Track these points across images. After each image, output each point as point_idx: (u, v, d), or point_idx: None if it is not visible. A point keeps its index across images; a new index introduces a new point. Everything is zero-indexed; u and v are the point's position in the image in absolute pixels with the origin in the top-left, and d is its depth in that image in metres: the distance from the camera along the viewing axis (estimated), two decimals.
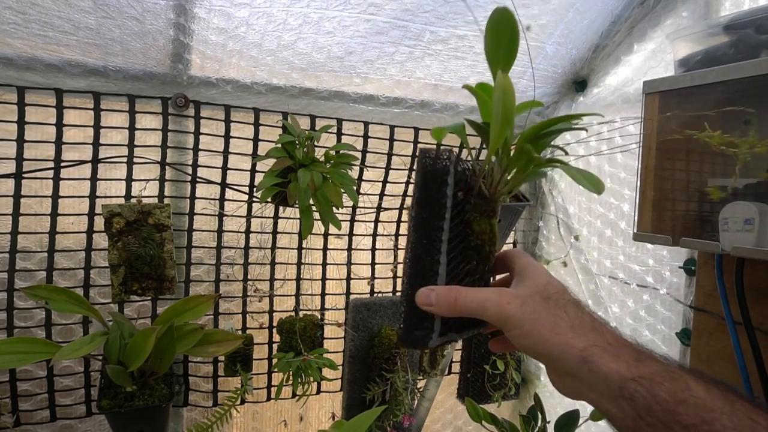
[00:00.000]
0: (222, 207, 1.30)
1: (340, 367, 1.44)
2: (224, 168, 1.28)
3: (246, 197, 1.31)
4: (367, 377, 1.42)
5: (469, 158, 0.57)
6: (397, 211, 1.51)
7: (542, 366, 1.66)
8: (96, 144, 1.16)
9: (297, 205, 1.16)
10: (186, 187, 1.26)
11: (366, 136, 1.40)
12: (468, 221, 0.55)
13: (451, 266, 0.53)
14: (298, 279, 1.41)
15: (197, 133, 1.24)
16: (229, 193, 1.30)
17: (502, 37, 0.54)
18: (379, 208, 1.47)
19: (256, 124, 1.29)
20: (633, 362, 0.43)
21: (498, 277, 0.62)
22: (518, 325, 0.46)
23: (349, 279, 1.47)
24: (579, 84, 1.48)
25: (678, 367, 0.44)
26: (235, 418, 1.34)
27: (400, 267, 1.54)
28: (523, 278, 0.52)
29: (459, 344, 1.60)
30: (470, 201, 0.55)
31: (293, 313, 1.39)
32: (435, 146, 0.54)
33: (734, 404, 0.40)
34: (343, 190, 1.20)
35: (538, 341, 0.45)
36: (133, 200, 1.19)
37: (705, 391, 0.41)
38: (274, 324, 1.38)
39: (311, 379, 1.28)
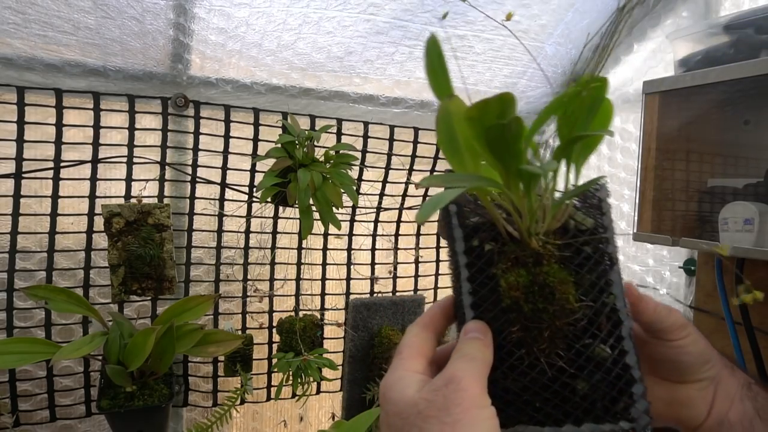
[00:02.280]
0: (222, 207, 1.30)
1: (340, 367, 1.44)
2: (224, 168, 1.28)
3: (246, 197, 1.31)
4: (367, 377, 1.42)
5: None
6: (397, 211, 1.51)
7: None
8: (96, 144, 1.16)
9: (297, 205, 1.16)
10: (186, 187, 1.26)
11: (366, 136, 1.40)
12: (495, 276, 0.41)
13: (500, 338, 0.39)
14: (298, 279, 1.40)
15: (197, 133, 1.24)
16: (229, 193, 1.30)
17: (434, 64, 0.45)
18: (379, 208, 1.47)
19: (256, 124, 1.29)
20: (746, 373, 0.47)
21: None
22: (690, 332, 0.45)
23: (349, 279, 1.47)
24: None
25: None
26: (234, 418, 1.34)
27: (400, 267, 1.54)
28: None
29: None
30: (502, 249, 0.41)
31: (293, 313, 1.39)
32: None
33: None
34: (342, 190, 1.20)
35: (704, 346, 0.46)
36: (133, 200, 1.19)
37: None
38: (274, 324, 1.38)
39: (311, 379, 1.28)
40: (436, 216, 1.56)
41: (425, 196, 1.53)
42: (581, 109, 0.39)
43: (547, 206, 0.40)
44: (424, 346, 0.41)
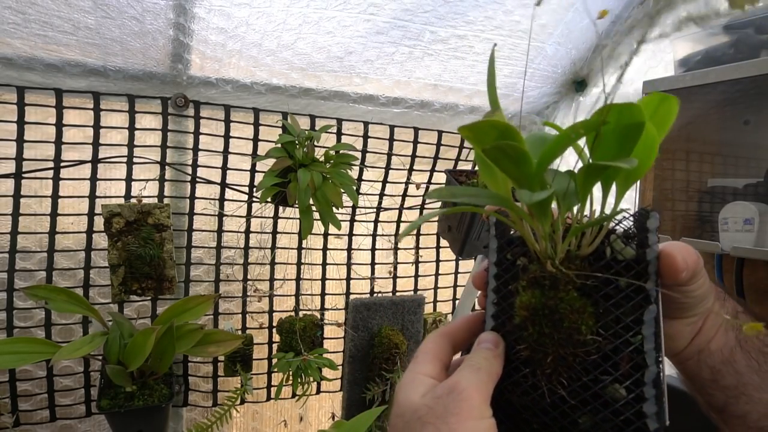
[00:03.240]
0: (222, 207, 1.30)
1: (340, 367, 1.44)
2: (224, 168, 1.28)
3: (246, 197, 1.31)
4: (367, 377, 1.42)
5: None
6: (397, 211, 1.51)
7: None
8: (96, 144, 1.16)
9: (297, 205, 1.16)
10: (186, 187, 1.26)
11: (366, 136, 1.40)
12: (513, 292, 0.40)
13: (511, 352, 0.39)
14: (298, 279, 1.40)
15: (197, 133, 1.24)
16: (229, 193, 1.30)
17: (490, 77, 0.41)
18: (379, 208, 1.47)
19: (256, 124, 1.29)
20: (739, 301, 0.49)
21: None
22: (703, 274, 0.43)
23: (348, 279, 1.47)
24: (579, 84, 1.47)
25: None
26: (234, 418, 1.34)
27: (400, 267, 1.54)
28: None
29: None
30: (527, 267, 0.40)
31: (293, 313, 1.39)
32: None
33: None
34: (342, 190, 1.20)
35: (708, 286, 0.44)
36: (133, 200, 1.19)
37: None
38: (274, 324, 1.38)
39: (311, 379, 1.28)
40: (436, 217, 1.56)
41: (425, 196, 1.53)
42: (610, 137, 0.37)
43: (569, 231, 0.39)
44: (441, 352, 0.41)
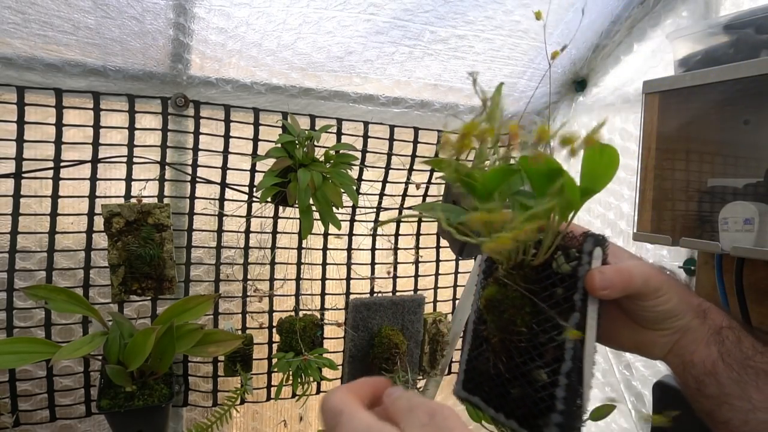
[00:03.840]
0: (222, 207, 1.30)
1: (340, 367, 1.44)
2: (224, 168, 1.28)
3: (246, 197, 1.31)
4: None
5: None
6: (397, 211, 1.51)
7: None
8: (96, 144, 1.16)
9: (297, 205, 1.16)
10: (186, 187, 1.26)
11: (366, 136, 1.40)
12: (485, 287, 0.49)
13: (480, 328, 0.49)
14: (298, 279, 1.41)
15: (197, 133, 1.24)
16: (229, 193, 1.30)
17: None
18: (379, 208, 1.47)
19: (256, 124, 1.29)
20: (728, 317, 0.53)
21: None
22: (665, 291, 0.50)
23: (348, 279, 1.47)
24: (579, 84, 1.47)
25: (761, 333, 0.53)
26: (234, 418, 1.34)
27: (400, 267, 1.54)
28: (621, 255, 0.53)
29: (458, 344, 1.60)
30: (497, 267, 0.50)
31: (293, 313, 1.39)
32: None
33: None
34: (342, 190, 1.20)
35: (674, 303, 0.50)
36: (133, 200, 1.19)
37: None
38: (274, 324, 1.38)
39: (311, 379, 1.28)
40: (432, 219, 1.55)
41: (425, 196, 1.53)
42: (538, 177, 0.46)
43: (519, 246, 0.47)
44: (359, 393, 0.42)
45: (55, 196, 1.14)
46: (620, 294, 0.47)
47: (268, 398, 1.41)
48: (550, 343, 0.45)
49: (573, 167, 0.44)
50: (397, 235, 1.52)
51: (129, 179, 1.19)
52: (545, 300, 0.46)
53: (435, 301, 1.61)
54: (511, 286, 0.47)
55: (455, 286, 1.64)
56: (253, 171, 1.31)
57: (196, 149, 1.25)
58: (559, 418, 0.42)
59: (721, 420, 0.49)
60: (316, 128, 1.33)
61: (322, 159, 1.23)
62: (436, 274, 1.60)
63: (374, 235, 1.49)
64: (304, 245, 1.40)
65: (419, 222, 1.55)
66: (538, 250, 0.47)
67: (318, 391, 1.47)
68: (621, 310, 0.52)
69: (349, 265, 1.47)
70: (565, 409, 0.43)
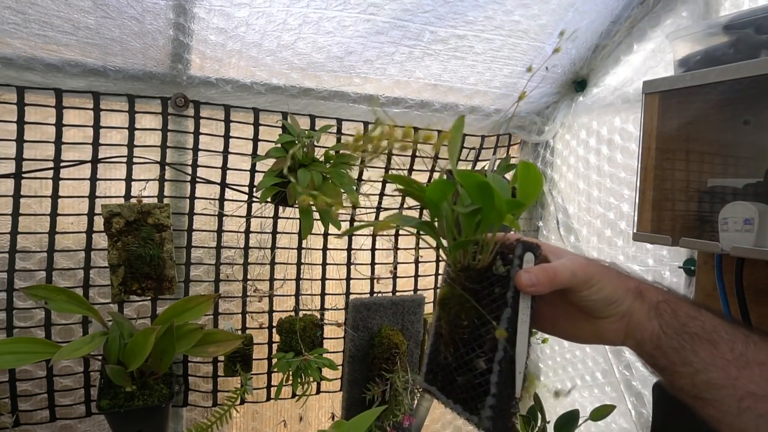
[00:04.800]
0: (222, 207, 1.30)
1: (340, 367, 1.44)
2: (224, 168, 1.28)
3: (246, 197, 1.31)
4: (366, 377, 1.42)
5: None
6: (397, 211, 1.51)
7: (542, 366, 1.66)
8: (96, 144, 1.16)
9: (297, 205, 1.16)
10: (186, 187, 1.26)
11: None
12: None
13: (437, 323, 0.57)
14: (298, 279, 1.40)
15: (197, 133, 1.24)
16: (229, 193, 1.30)
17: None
18: (379, 208, 1.47)
19: (256, 124, 1.29)
20: (665, 293, 0.57)
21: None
22: (597, 281, 0.54)
23: (349, 279, 1.47)
24: (579, 84, 1.48)
25: (702, 304, 0.56)
26: (234, 418, 1.34)
27: (400, 267, 1.54)
28: (560, 253, 0.58)
29: None
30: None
31: (293, 313, 1.39)
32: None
33: (735, 324, 0.53)
34: (342, 190, 1.20)
35: (609, 290, 0.55)
36: (133, 200, 1.19)
37: (713, 315, 0.54)
38: (274, 324, 1.38)
39: (311, 379, 1.28)
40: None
41: None
42: (472, 191, 0.52)
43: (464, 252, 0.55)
44: None
45: (55, 196, 1.14)
46: (548, 289, 0.52)
47: (268, 398, 1.41)
48: (488, 335, 0.51)
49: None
50: (397, 234, 1.52)
51: (129, 179, 1.19)
52: (486, 297, 0.52)
53: (435, 301, 1.61)
54: (457, 286, 0.54)
55: None
56: (252, 171, 1.31)
57: (196, 149, 1.25)
58: (492, 400, 0.49)
59: (678, 388, 0.53)
60: (316, 128, 1.33)
61: (322, 159, 1.23)
62: (436, 274, 1.60)
63: (374, 235, 1.49)
64: (304, 245, 1.40)
65: None
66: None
67: (318, 391, 1.47)
68: (576, 307, 0.57)
69: (349, 265, 1.47)
70: (497, 392, 0.49)
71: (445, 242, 0.57)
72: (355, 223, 1.45)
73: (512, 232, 0.61)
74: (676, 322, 0.53)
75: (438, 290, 0.56)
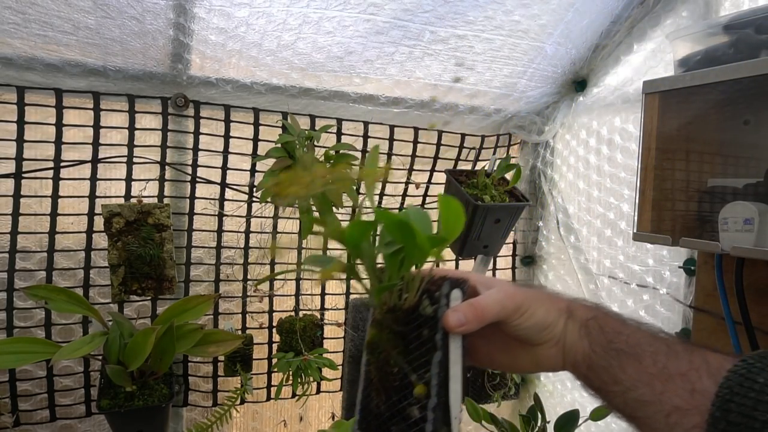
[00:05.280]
0: (222, 207, 1.30)
1: (340, 367, 1.44)
2: (224, 168, 1.28)
3: (246, 197, 1.31)
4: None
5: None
6: (397, 211, 1.51)
7: None
8: (96, 144, 1.16)
9: (297, 205, 1.16)
10: (186, 187, 1.26)
11: (366, 136, 1.40)
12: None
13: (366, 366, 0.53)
14: (298, 279, 1.40)
15: (197, 133, 1.24)
16: (229, 193, 1.30)
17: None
18: (379, 209, 1.47)
19: (256, 124, 1.29)
20: (594, 310, 0.56)
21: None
22: (527, 309, 0.53)
23: (349, 279, 1.47)
24: (579, 84, 1.47)
25: (628, 317, 0.55)
26: (234, 417, 1.34)
27: None
28: (489, 283, 0.57)
29: None
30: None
31: (293, 313, 1.39)
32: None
33: (657, 336, 0.51)
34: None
35: (541, 315, 0.54)
36: (133, 200, 1.19)
37: (638, 327, 0.53)
38: (274, 324, 1.38)
39: (311, 379, 1.28)
40: (436, 216, 1.56)
41: (425, 196, 1.53)
42: (391, 229, 0.51)
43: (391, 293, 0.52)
44: None
45: (55, 196, 1.14)
46: (477, 326, 0.50)
47: (268, 398, 1.41)
48: (419, 380, 0.48)
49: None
50: None
51: (129, 179, 1.19)
52: (414, 341, 0.49)
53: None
54: (385, 329, 0.51)
55: None
56: (253, 171, 1.31)
57: (196, 149, 1.25)
58: None
59: (615, 409, 0.52)
60: (316, 128, 1.33)
61: (322, 159, 1.23)
62: None
63: (374, 235, 1.49)
64: (304, 245, 1.40)
65: None
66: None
67: (318, 391, 1.47)
68: (512, 337, 0.55)
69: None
70: None
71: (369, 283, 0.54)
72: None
73: (440, 267, 0.58)
74: (603, 339, 0.52)
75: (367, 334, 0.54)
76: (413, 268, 0.52)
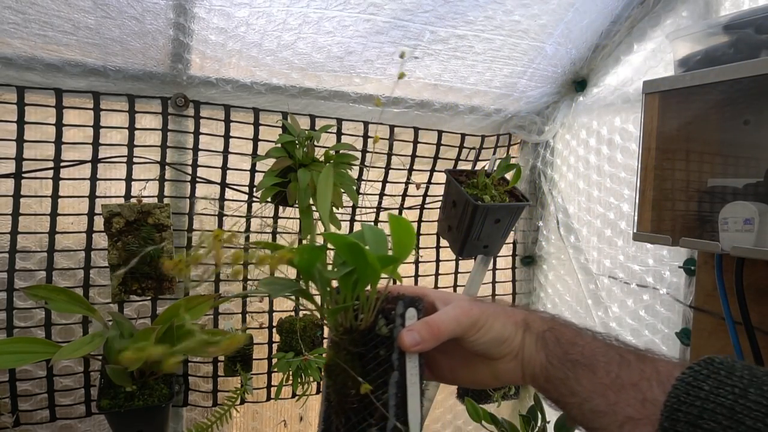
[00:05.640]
0: (222, 207, 1.30)
1: None
2: (224, 168, 1.28)
3: (246, 197, 1.31)
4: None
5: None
6: (397, 211, 1.51)
7: None
8: (96, 144, 1.16)
9: (297, 205, 1.16)
10: (186, 187, 1.26)
11: (366, 136, 1.40)
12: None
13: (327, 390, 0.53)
14: (298, 278, 1.40)
15: (197, 133, 1.24)
16: (229, 193, 1.30)
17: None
18: (379, 208, 1.47)
19: (256, 124, 1.29)
20: (550, 321, 0.56)
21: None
22: (484, 323, 0.53)
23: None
24: (579, 84, 1.48)
25: (583, 327, 0.55)
26: (234, 417, 1.34)
27: (400, 267, 1.54)
28: (447, 299, 0.57)
29: None
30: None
31: (293, 313, 1.39)
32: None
33: (611, 346, 0.52)
34: (343, 190, 1.20)
35: (498, 329, 0.53)
36: (133, 200, 1.19)
37: (593, 338, 0.53)
38: (274, 324, 1.38)
39: (311, 378, 1.28)
40: (436, 216, 1.56)
41: (425, 196, 1.53)
42: (343, 251, 0.51)
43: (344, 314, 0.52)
44: None
45: (55, 196, 1.14)
46: (434, 344, 0.50)
47: (268, 398, 1.41)
48: (378, 401, 0.47)
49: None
50: None
51: (129, 179, 1.19)
52: (371, 362, 0.49)
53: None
54: (342, 350, 0.50)
55: (455, 285, 1.64)
56: (253, 171, 1.31)
57: (196, 149, 1.25)
58: None
59: (573, 420, 0.52)
60: (316, 128, 1.33)
61: (322, 159, 1.23)
62: (436, 274, 1.60)
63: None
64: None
65: (419, 222, 1.55)
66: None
67: (318, 391, 1.47)
68: (471, 352, 0.55)
69: None
70: None
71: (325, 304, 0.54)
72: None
73: (396, 284, 0.59)
74: (559, 351, 0.52)
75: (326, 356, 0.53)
76: (368, 288, 0.52)
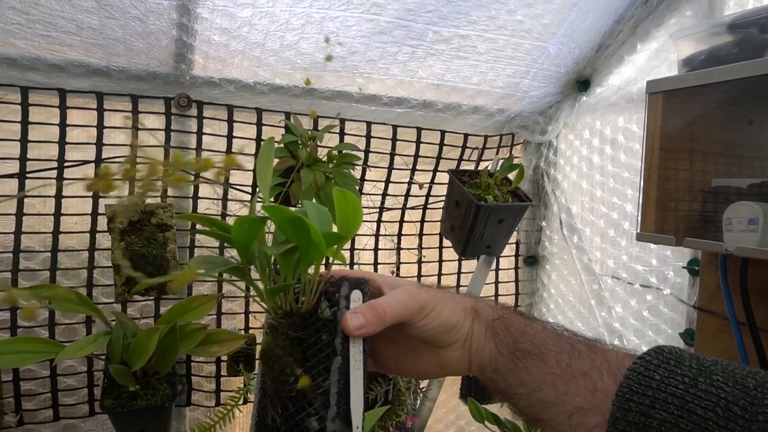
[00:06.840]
0: (225, 207, 1.30)
1: None
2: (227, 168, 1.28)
3: (248, 197, 1.31)
4: (368, 377, 1.41)
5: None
6: (400, 211, 1.51)
7: None
8: (99, 144, 1.16)
9: (300, 205, 1.16)
10: (188, 187, 1.26)
11: (369, 136, 1.40)
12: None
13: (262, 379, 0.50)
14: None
15: (200, 133, 1.24)
16: (232, 193, 1.30)
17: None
18: (382, 208, 1.47)
19: (259, 124, 1.29)
20: (500, 310, 0.55)
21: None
22: (432, 308, 0.51)
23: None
24: (582, 84, 1.47)
25: (533, 317, 0.54)
26: (237, 417, 1.34)
27: (402, 267, 1.54)
28: (394, 283, 0.55)
29: None
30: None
31: None
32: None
33: (561, 336, 0.51)
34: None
35: (446, 315, 0.52)
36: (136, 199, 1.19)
37: (543, 328, 0.52)
38: None
39: None
40: (439, 216, 1.56)
41: (428, 196, 1.53)
42: (285, 226, 0.47)
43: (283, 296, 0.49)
44: None
45: (58, 196, 1.14)
46: (379, 328, 0.48)
47: None
48: (318, 389, 0.45)
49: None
50: (399, 235, 1.52)
51: (131, 179, 1.19)
52: (312, 346, 0.46)
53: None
54: (281, 335, 0.47)
55: (458, 285, 1.64)
56: (255, 171, 1.31)
57: (199, 149, 1.25)
58: None
59: (520, 412, 0.50)
60: (319, 128, 1.33)
61: (324, 159, 1.23)
62: (439, 274, 1.60)
63: (377, 235, 1.49)
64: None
65: (422, 222, 1.55)
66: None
67: None
68: (418, 340, 0.53)
69: (352, 265, 1.46)
70: None
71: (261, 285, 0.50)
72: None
73: (339, 267, 0.55)
74: (509, 340, 0.51)
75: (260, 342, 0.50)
76: (311, 269, 0.49)
